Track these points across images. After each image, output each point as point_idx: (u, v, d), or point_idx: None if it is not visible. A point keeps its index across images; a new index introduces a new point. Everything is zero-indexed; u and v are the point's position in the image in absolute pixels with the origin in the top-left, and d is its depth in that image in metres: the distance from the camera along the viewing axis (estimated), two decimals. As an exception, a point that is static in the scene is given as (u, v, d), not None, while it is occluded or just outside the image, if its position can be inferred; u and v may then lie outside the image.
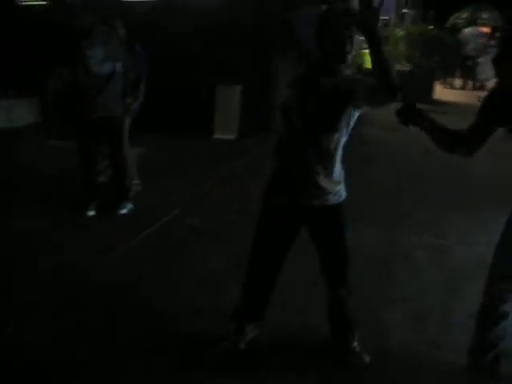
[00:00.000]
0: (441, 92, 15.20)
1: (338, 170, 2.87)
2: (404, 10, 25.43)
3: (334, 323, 3.14)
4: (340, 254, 2.97)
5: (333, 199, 2.86)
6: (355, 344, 3.11)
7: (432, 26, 15.23)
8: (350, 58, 2.67)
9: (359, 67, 12.16)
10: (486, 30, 18.22)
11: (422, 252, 4.67)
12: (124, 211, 5.50)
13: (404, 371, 3.05)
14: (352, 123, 2.79)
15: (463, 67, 17.07)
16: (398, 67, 14.42)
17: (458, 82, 17.27)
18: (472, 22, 18.86)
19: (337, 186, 2.87)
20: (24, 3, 10.55)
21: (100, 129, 5.34)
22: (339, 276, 3.01)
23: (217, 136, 8.69)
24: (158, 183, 6.17)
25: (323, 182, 2.80)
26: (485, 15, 23.61)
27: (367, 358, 3.08)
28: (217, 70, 8.88)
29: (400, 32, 15.00)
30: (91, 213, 5.45)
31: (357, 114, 2.77)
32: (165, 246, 4.78)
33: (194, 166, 7.13)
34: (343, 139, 2.81)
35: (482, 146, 2.61)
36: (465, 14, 27.77)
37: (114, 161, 5.56)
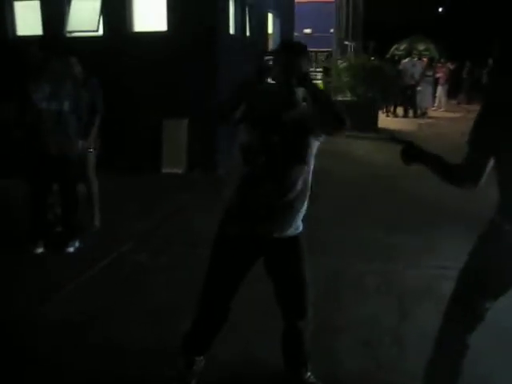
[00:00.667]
0: (384, 121, 15.59)
1: (303, 203, 2.86)
2: (346, 42, 26.15)
3: (289, 355, 3.09)
4: (299, 286, 2.92)
5: (292, 231, 2.86)
6: (308, 374, 3.09)
7: (373, 58, 15.67)
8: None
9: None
10: (423, 60, 18.93)
11: (372, 278, 4.73)
12: (71, 249, 5.40)
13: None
14: (314, 153, 2.82)
15: (404, 96, 17.66)
16: (341, 98, 14.79)
17: (399, 110, 17.78)
18: (409, 53, 19.58)
19: (298, 219, 2.87)
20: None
21: (52, 166, 5.27)
22: (298, 308, 2.95)
23: (165, 170, 8.66)
24: (106, 219, 6.08)
25: (286, 215, 2.80)
26: (421, 47, 24.59)
27: None
28: (164, 104, 8.91)
29: (342, 63, 15.38)
30: (39, 250, 5.35)
31: (317, 144, 2.80)
32: (114, 283, 4.71)
33: (142, 201, 7.08)
34: (309, 171, 2.82)
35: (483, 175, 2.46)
36: (403, 46, 28.89)
37: (64, 198, 5.48)
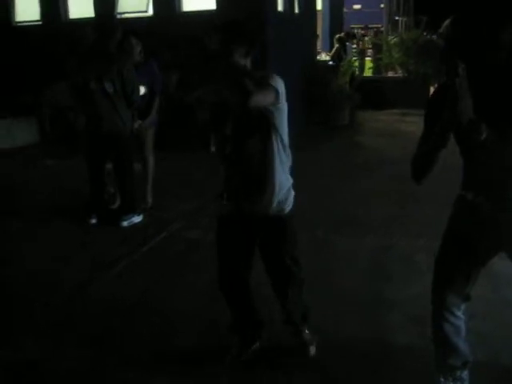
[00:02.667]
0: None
1: (280, 179, 2.83)
2: (396, 18, 25.57)
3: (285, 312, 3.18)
4: (281, 270, 2.97)
5: (276, 209, 2.85)
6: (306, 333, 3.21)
7: (425, 33, 15.30)
8: None
9: (353, 75, 12.25)
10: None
11: (421, 254, 4.69)
12: (125, 224, 5.56)
13: (408, 370, 3.06)
14: (281, 126, 2.76)
15: None
16: (392, 74, 14.56)
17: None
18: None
19: (281, 196, 2.86)
20: (20, 24, 10.68)
21: (105, 145, 5.43)
22: (282, 292, 3.05)
23: (214, 149, 8.72)
24: (159, 197, 6.21)
25: (263, 191, 2.81)
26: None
27: (313, 350, 3.19)
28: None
29: (393, 39, 15.10)
30: (93, 221, 5.63)
31: (281, 115, 2.74)
32: (167, 259, 4.83)
33: (193, 180, 7.19)
34: (278, 145, 2.78)
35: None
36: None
37: (119, 175, 5.65)
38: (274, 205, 2.83)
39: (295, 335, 3.24)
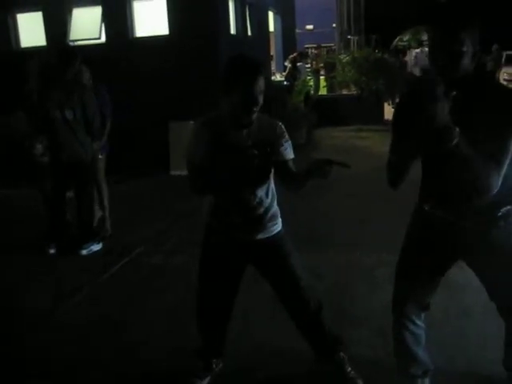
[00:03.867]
0: (390, 112, 15.56)
1: (273, 206, 2.92)
2: (348, 36, 26.12)
3: (312, 343, 3.11)
4: (292, 281, 2.93)
5: (271, 230, 2.90)
6: (348, 368, 3.09)
7: (376, 50, 15.67)
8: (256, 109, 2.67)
9: (307, 94, 12.42)
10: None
11: (383, 269, 4.74)
12: (85, 252, 5.50)
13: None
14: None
15: None
16: (346, 92, 14.83)
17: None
18: (421, 43, 19.55)
19: (274, 218, 2.92)
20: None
21: (66, 173, 5.38)
22: (299, 303, 2.98)
23: (173, 173, 8.73)
24: (118, 222, 6.15)
25: (260, 222, 2.86)
26: (425, 37, 24.44)
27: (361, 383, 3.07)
28: (169, 107, 8.98)
29: (345, 57, 15.39)
30: (52, 251, 5.56)
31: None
32: (129, 285, 4.78)
33: (153, 204, 7.16)
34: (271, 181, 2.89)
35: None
36: (407, 37, 28.78)
37: (80, 202, 5.59)
38: (271, 228, 2.90)
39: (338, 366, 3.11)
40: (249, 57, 2.72)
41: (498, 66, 18.67)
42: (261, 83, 2.62)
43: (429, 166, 2.52)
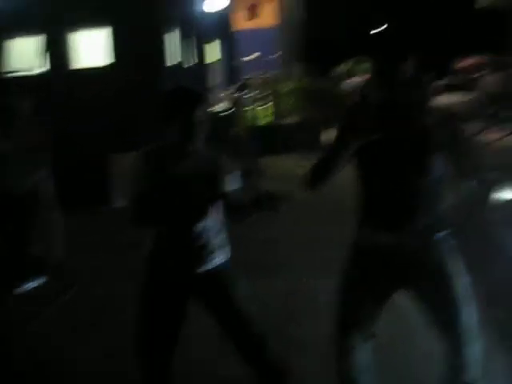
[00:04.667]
0: (331, 139, 15.80)
1: (219, 235, 2.89)
2: (290, 65, 26.51)
3: (260, 369, 2.98)
4: (240, 315, 2.87)
5: (217, 262, 2.86)
6: None
7: (316, 79, 15.95)
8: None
9: (252, 122, 12.51)
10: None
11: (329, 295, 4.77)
12: (25, 288, 5.31)
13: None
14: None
15: None
16: (287, 121, 15.03)
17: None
18: (359, 72, 20.04)
19: (220, 249, 2.89)
20: None
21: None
22: (245, 335, 2.91)
23: (116, 205, 8.59)
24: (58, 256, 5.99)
25: (205, 253, 2.82)
26: (365, 66, 25.08)
27: None
28: (110, 139, 8.89)
29: (287, 86, 15.60)
30: None
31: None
32: (71, 320, 4.67)
33: (94, 238, 7.02)
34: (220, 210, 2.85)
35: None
36: (348, 66, 29.44)
37: (18, 236, 5.40)
38: (217, 259, 2.87)
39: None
40: (189, 86, 2.74)
41: (432, 94, 19.26)
42: (202, 111, 2.63)
43: (373, 185, 2.56)
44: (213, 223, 2.84)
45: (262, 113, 16.62)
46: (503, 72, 18.18)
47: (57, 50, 9.55)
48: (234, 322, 2.90)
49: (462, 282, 2.55)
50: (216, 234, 2.87)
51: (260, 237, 6.50)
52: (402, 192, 2.44)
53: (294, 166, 11.97)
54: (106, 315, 4.69)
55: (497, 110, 14.47)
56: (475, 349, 2.55)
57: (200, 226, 2.79)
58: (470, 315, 2.54)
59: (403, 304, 3.78)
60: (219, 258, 2.89)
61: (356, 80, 18.39)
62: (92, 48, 9.75)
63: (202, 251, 2.82)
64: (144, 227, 2.85)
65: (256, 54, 27.28)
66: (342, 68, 28.40)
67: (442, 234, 2.52)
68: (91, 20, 9.52)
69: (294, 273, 5.37)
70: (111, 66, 9.40)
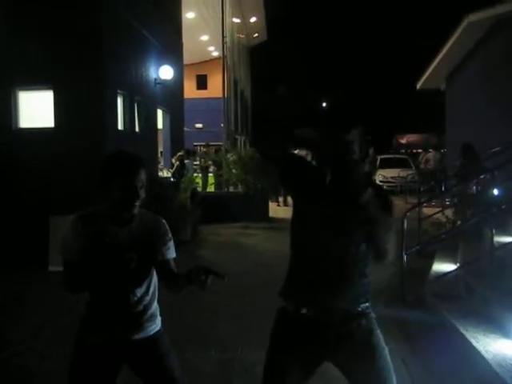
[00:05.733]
0: (275, 210, 16.02)
1: (154, 303, 2.86)
2: (236, 136, 27.05)
3: None
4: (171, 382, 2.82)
5: (150, 330, 2.82)
6: None
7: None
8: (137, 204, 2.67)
9: (194, 191, 12.58)
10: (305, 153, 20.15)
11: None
12: None
13: None
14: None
15: None
16: (232, 190, 15.18)
17: (289, 199, 18.43)
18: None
19: (154, 317, 2.85)
20: None
21: None
22: None
23: (52, 268, 8.35)
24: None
25: (140, 320, 2.78)
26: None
27: None
28: (51, 201, 8.75)
29: (232, 156, 15.85)
30: None
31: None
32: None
33: (27, 302, 6.77)
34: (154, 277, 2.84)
35: None
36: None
37: None
38: (150, 327, 2.81)
39: None
40: (128, 151, 2.75)
41: (373, 168, 19.94)
42: (141, 177, 2.63)
43: (298, 257, 2.60)
44: (148, 291, 2.81)
45: (208, 181, 16.76)
46: (439, 150, 19.08)
47: (0, 109, 9.46)
48: None
49: (385, 354, 2.58)
50: (150, 302, 2.83)
51: (196, 306, 6.42)
52: (330, 264, 2.49)
53: (237, 234, 12.04)
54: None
55: (433, 184, 15.09)
56: None
57: (135, 293, 2.75)
58: None
59: (334, 372, 3.81)
60: (153, 326, 2.84)
61: (302, 152, 18.93)
62: (38, 109, 9.72)
63: (136, 319, 2.77)
64: (76, 293, 2.78)
65: (201, 124, 27.77)
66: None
67: (363, 305, 2.57)
68: (36, 82, 9.52)
69: (230, 343, 5.30)
70: (56, 127, 9.36)
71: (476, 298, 5.63)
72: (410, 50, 38.39)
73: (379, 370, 2.54)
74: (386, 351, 2.58)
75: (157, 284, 2.87)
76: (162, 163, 16.39)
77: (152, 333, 2.83)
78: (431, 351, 4.86)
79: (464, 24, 12.87)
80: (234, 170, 15.09)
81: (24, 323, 5.98)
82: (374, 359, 2.54)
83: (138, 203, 2.64)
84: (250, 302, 6.65)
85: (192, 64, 25.59)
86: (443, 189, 11.75)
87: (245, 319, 6.01)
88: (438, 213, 9.42)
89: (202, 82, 30.41)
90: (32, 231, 8.71)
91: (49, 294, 7.15)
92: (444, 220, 9.18)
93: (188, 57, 19.52)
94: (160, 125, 15.17)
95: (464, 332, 4.82)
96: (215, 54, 26.05)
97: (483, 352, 4.36)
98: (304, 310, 2.54)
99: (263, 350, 4.96)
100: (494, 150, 8.65)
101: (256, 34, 30.07)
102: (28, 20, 9.38)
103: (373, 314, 2.62)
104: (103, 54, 9.58)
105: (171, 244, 2.80)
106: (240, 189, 15.01)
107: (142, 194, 2.65)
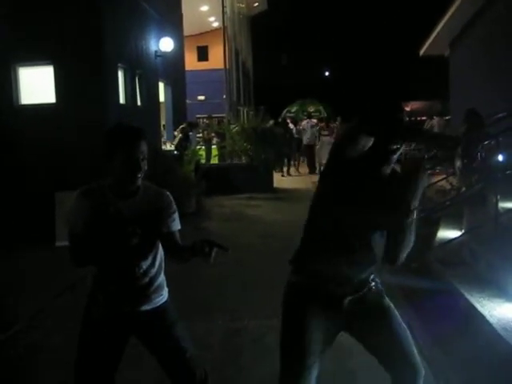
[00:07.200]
0: (279, 180, 16.03)
1: (160, 274, 2.89)
2: (238, 107, 26.92)
3: None
4: (178, 352, 2.85)
5: (157, 301, 2.86)
6: None
7: (266, 121, 16.18)
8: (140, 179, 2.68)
9: (198, 163, 12.57)
10: (315, 121, 20.19)
11: (272, 334, 4.76)
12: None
13: None
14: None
15: (304, 154, 19.25)
16: (236, 161, 15.17)
17: (293, 169, 18.45)
18: (309, 115, 20.67)
19: (160, 289, 2.88)
20: None
21: None
22: (186, 374, 2.88)
23: (58, 244, 8.41)
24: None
25: (147, 292, 2.82)
26: (311, 109, 25.81)
27: None
28: (55, 176, 8.77)
29: (235, 128, 15.79)
30: None
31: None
32: (5, 365, 4.49)
33: (35, 278, 6.82)
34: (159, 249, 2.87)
35: None
36: (294, 108, 30.16)
37: None
38: (156, 299, 2.85)
39: None
40: (129, 124, 2.75)
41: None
42: (143, 148, 2.64)
43: (319, 230, 2.59)
44: (154, 263, 2.83)
45: (211, 153, 16.74)
46: (442, 117, 18.99)
47: (1, 86, 9.43)
48: (173, 360, 2.87)
49: (397, 313, 2.64)
50: (157, 273, 2.86)
51: (202, 277, 6.47)
52: (355, 239, 2.51)
53: (242, 205, 12.06)
54: (41, 362, 4.53)
55: (436, 151, 15.00)
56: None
57: (140, 265, 2.77)
58: (411, 343, 2.61)
59: (345, 343, 3.85)
60: (159, 298, 2.87)
61: (308, 122, 19.05)
62: (39, 85, 9.68)
63: (142, 291, 2.81)
64: (83, 266, 2.81)
65: (203, 96, 27.62)
66: (289, 110, 29.11)
67: (373, 274, 2.62)
68: (36, 58, 9.47)
69: (236, 313, 5.35)
70: (58, 103, 9.33)
71: (481, 264, 5.65)
72: (412, 16, 37.86)
73: (395, 327, 2.59)
74: (396, 311, 2.64)
75: (163, 256, 2.90)
76: (164, 136, 16.35)
77: (159, 304, 2.86)
78: (437, 316, 4.90)
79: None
80: (237, 141, 15.05)
81: (31, 299, 6.04)
82: (389, 318, 2.60)
83: (140, 175, 2.65)
84: (256, 272, 6.69)
85: (192, 35, 25.32)
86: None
87: (252, 290, 6.05)
88: (442, 180, 9.40)
89: (202, 54, 30.12)
90: (38, 207, 8.74)
91: (56, 269, 7.20)
92: (448, 187, 9.16)
93: (188, 28, 19.33)
94: (162, 98, 15.09)
95: (469, 297, 4.86)
96: (215, 24, 25.74)
97: (488, 316, 4.40)
98: (321, 283, 2.56)
99: (270, 319, 5.06)
100: (498, 115, 8.56)
101: (256, 4, 29.67)
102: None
103: (378, 279, 2.67)
104: (103, 27, 9.51)
105: (176, 216, 2.81)
106: (244, 160, 15.00)
107: (144, 165, 2.65)
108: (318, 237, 2.59)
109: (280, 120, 22.87)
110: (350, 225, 2.50)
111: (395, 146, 2.42)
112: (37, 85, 9.73)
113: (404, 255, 2.56)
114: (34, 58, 9.48)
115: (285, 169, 17.95)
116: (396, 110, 2.46)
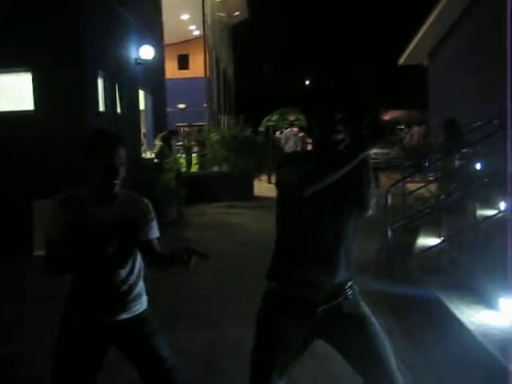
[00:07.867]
0: (260, 188, 16.00)
1: (139, 283, 2.86)
2: (219, 116, 26.94)
3: None
4: (159, 361, 2.80)
5: (136, 309, 2.82)
6: None
7: (246, 129, 16.20)
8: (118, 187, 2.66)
9: (178, 172, 12.53)
10: (296, 129, 20.32)
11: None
12: None
13: None
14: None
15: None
16: (217, 169, 15.14)
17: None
18: (291, 124, 20.77)
19: (139, 297, 2.85)
20: None
21: None
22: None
23: (37, 253, 8.30)
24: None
25: (126, 300, 2.78)
26: (291, 117, 25.87)
27: None
28: (33, 184, 8.67)
29: (215, 136, 15.77)
30: None
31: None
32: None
33: (12, 288, 6.72)
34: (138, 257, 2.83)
35: None
36: (275, 117, 30.20)
37: None
38: (135, 307, 2.81)
39: None
40: (105, 130, 2.74)
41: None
42: (120, 154, 2.61)
43: (287, 237, 2.60)
44: (133, 270, 2.80)
45: (191, 161, 16.70)
46: (421, 126, 19.18)
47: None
48: (153, 370, 2.82)
49: (374, 321, 2.61)
50: (136, 281, 2.83)
51: (182, 285, 6.43)
52: (322, 243, 2.50)
53: (222, 214, 12.03)
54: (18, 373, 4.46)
55: (416, 160, 15.16)
56: None
57: (119, 273, 2.74)
58: (389, 353, 2.58)
59: (326, 350, 3.85)
60: (138, 306, 2.84)
61: (291, 131, 19.21)
62: (17, 92, 9.60)
63: (121, 299, 2.77)
64: (59, 275, 2.76)
65: (184, 104, 27.61)
66: (270, 119, 29.17)
67: (349, 282, 2.61)
68: (14, 65, 9.38)
69: (216, 322, 5.32)
70: (36, 110, 9.25)
71: (460, 271, 5.69)
72: (392, 26, 38.31)
73: (371, 336, 2.56)
74: (374, 319, 2.61)
75: (142, 264, 2.87)
76: (145, 144, 16.30)
77: (138, 312, 2.83)
78: (417, 324, 4.92)
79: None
80: (217, 150, 15.02)
81: (9, 310, 5.94)
82: (365, 327, 2.57)
83: (117, 181, 2.62)
84: (236, 280, 6.67)
85: (173, 44, 25.35)
86: (427, 164, 11.79)
87: (232, 298, 6.02)
88: (421, 188, 9.47)
89: (183, 62, 30.17)
90: (16, 216, 8.62)
91: (34, 278, 7.10)
92: (428, 195, 9.24)
93: (169, 37, 19.33)
94: (142, 106, 15.05)
95: (448, 304, 4.89)
96: (196, 33, 25.78)
97: (467, 323, 4.43)
98: (294, 290, 2.55)
99: (251, 327, 5.01)
100: (476, 124, 8.67)
101: (237, 13, 29.77)
102: (4, 1, 9.21)
103: (356, 287, 2.65)
104: (82, 34, 9.46)
105: (154, 224, 2.79)
106: (224, 168, 14.97)
107: (122, 171, 2.62)
108: (288, 245, 2.60)
109: (262, 128, 22.90)
110: (312, 228, 2.50)
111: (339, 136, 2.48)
112: (15, 92, 9.65)
113: (371, 198, 2.46)
114: (13, 64, 9.40)
115: (265, 177, 17.95)
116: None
